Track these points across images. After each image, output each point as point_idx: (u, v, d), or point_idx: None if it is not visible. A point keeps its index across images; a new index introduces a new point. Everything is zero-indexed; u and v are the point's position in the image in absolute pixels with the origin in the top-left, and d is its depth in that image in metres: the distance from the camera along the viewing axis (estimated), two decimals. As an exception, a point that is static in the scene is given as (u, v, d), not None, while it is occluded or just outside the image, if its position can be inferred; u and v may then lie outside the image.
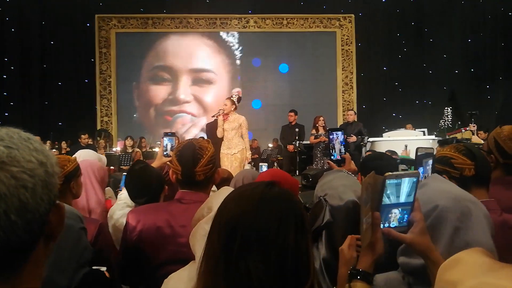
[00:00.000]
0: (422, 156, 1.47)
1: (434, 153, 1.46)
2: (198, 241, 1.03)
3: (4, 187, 0.50)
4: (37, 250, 0.56)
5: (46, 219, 0.56)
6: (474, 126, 6.61)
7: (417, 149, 1.49)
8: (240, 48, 11.47)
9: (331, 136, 1.57)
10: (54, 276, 1.15)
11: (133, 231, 1.48)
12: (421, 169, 1.43)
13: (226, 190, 1.17)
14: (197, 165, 1.51)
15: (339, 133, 1.57)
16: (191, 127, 11.21)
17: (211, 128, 6.29)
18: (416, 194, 0.94)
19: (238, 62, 11.51)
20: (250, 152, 5.89)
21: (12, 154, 0.53)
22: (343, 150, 1.52)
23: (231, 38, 11.47)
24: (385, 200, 0.92)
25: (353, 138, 6.94)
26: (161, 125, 11.04)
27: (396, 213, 0.94)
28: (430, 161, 1.48)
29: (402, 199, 0.93)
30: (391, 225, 0.95)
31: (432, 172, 1.58)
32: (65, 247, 1.21)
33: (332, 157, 1.54)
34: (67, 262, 1.21)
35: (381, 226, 0.94)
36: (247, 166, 6.41)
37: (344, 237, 1.18)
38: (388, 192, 0.91)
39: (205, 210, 1.11)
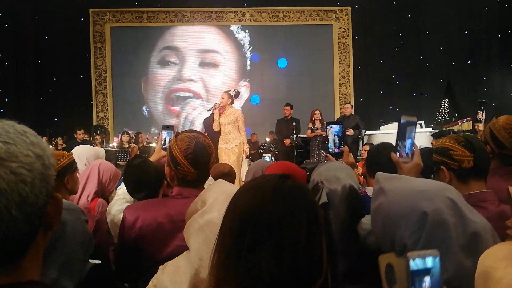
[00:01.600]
0: (405, 124, 1.37)
1: (416, 120, 1.42)
2: (192, 234, 1.03)
3: (4, 183, 0.51)
4: (36, 241, 0.58)
5: (44, 211, 0.57)
6: (483, 115, 6.59)
7: (400, 117, 1.42)
8: (249, 40, 11.49)
9: (327, 129, 1.55)
10: (66, 271, 1.15)
11: (132, 228, 1.43)
12: (409, 141, 1.38)
13: (219, 184, 1.16)
14: (209, 164, 1.50)
15: (335, 125, 1.54)
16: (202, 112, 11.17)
17: (208, 123, 6.27)
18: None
19: (248, 55, 11.52)
20: (248, 146, 5.87)
21: (11, 150, 0.53)
22: (337, 141, 1.49)
23: (242, 32, 11.50)
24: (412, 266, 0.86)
25: (350, 131, 6.93)
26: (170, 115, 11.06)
27: (427, 281, 0.87)
28: (413, 131, 1.40)
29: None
30: None
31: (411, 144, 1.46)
32: (75, 241, 1.22)
33: (330, 150, 1.52)
34: (77, 255, 1.22)
35: None
36: (245, 161, 6.40)
37: (340, 219, 1.18)
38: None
39: (198, 203, 1.10)
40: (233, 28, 11.45)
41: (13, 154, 0.53)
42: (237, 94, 5.80)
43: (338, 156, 1.50)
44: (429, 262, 0.85)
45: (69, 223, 1.24)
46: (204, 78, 11.25)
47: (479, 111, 6.32)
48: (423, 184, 1.01)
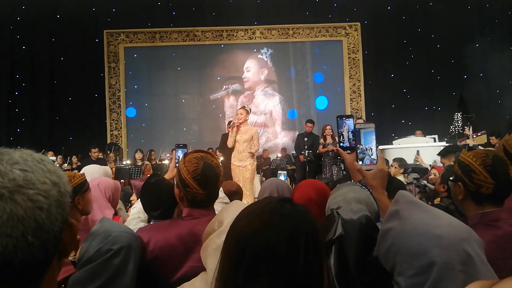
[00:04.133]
0: (360, 129, 1.35)
1: (374, 126, 1.36)
2: (210, 254, 1.03)
3: (21, 210, 0.52)
4: (51, 267, 0.58)
5: (59, 238, 0.57)
6: (469, 130, 6.49)
7: (355, 125, 1.40)
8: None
9: (339, 124, 1.52)
10: None
11: (145, 251, 1.42)
12: (372, 147, 1.35)
13: (236, 204, 1.17)
14: (218, 184, 1.50)
15: (348, 120, 1.51)
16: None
17: (226, 138, 6.32)
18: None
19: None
20: (257, 148, 5.81)
21: (28, 177, 0.54)
22: (351, 137, 1.47)
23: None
24: None
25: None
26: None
27: None
28: (371, 135, 1.36)
29: None
30: None
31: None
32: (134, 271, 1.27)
33: (341, 144, 1.49)
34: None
35: None
36: (257, 177, 6.40)
37: (355, 251, 1.15)
38: None
39: (215, 224, 1.10)
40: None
41: (30, 182, 0.54)
42: (250, 110, 5.88)
43: (349, 150, 1.47)
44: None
45: (134, 249, 1.29)
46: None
47: (465, 127, 6.23)
48: (442, 226, 0.93)
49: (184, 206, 1.53)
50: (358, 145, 1.33)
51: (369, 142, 1.33)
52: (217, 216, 1.15)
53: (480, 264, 0.90)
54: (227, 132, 6.49)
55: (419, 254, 0.91)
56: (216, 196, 1.54)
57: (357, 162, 1.31)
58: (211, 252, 1.04)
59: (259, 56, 11.62)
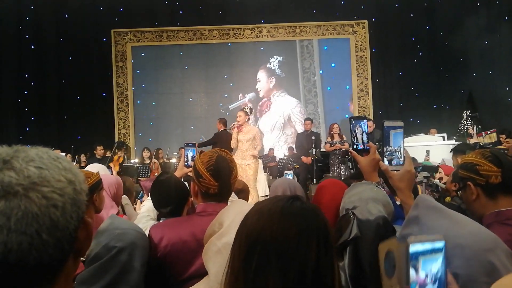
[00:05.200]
0: (389, 129, 1.30)
1: (402, 125, 1.32)
2: (211, 258, 1.01)
3: (36, 207, 0.51)
4: (67, 266, 0.57)
5: (75, 236, 0.57)
6: (473, 129, 6.39)
7: (383, 122, 1.35)
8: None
9: (352, 126, 1.47)
10: None
11: (157, 247, 1.43)
12: (399, 147, 1.29)
13: (236, 204, 1.16)
14: (231, 178, 1.53)
15: (361, 122, 1.45)
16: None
17: (219, 137, 6.40)
18: (446, 265, 0.74)
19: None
20: (260, 146, 5.95)
21: (43, 175, 0.54)
22: (365, 138, 1.43)
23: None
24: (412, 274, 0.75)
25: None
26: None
27: (428, 265, 0.76)
28: (400, 136, 1.31)
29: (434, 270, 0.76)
30: None
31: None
32: (142, 268, 1.27)
33: (355, 146, 1.45)
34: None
35: None
36: (264, 175, 6.41)
37: (371, 253, 1.13)
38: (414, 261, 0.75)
39: (216, 225, 1.09)
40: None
41: (45, 179, 0.53)
42: (251, 110, 6.00)
43: (363, 152, 1.42)
44: (431, 246, 0.76)
45: (140, 247, 1.29)
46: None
47: (469, 126, 6.14)
48: (465, 235, 0.87)
49: (198, 201, 1.56)
50: (387, 146, 1.28)
51: (398, 143, 1.29)
52: (217, 217, 1.14)
53: (504, 273, 0.84)
54: (218, 130, 6.59)
55: None
56: (229, 191, 1.56)
57: (383, 162, 1.26)
58: (212, 256, 1.02)
59: (267, 65, 11.64)
